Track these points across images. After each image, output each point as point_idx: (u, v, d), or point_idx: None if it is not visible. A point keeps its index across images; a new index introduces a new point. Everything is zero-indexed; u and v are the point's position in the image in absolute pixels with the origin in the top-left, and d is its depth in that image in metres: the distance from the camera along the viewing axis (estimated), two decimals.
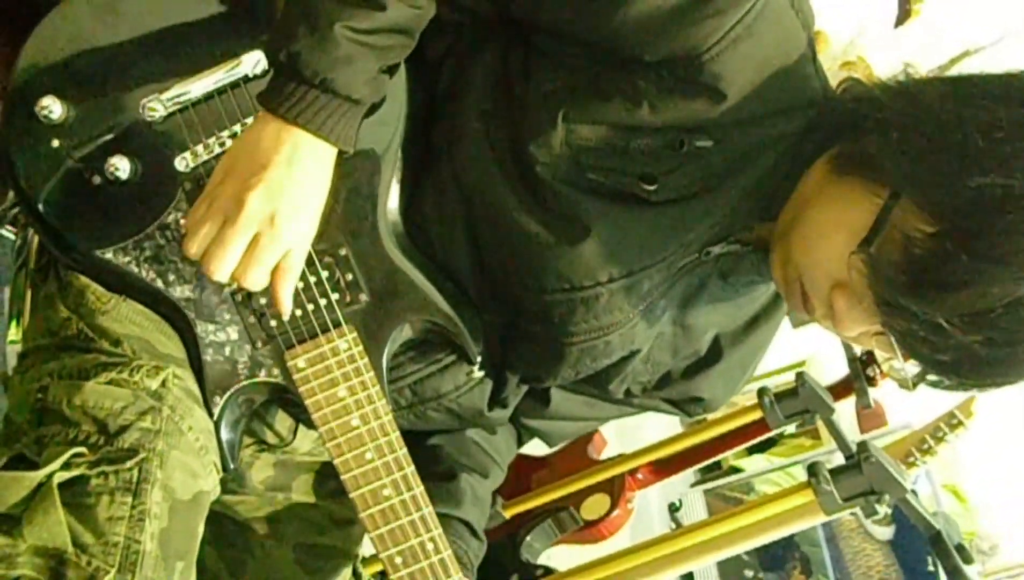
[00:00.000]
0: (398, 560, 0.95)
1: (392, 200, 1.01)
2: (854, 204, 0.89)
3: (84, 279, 0.98)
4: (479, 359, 1.06)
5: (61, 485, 0.85)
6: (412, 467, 0.96)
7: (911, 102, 0.90)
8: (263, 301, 0.97)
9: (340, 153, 0.90)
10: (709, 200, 0.97)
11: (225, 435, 0.99)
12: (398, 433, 0.96)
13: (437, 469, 1.02)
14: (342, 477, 0.95)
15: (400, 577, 0.95)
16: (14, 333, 1.08)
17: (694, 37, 0.89)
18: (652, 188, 0.95)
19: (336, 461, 0.95)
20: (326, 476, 1.22)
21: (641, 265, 0.98)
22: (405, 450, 0.96)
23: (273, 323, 0.98)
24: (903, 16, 2.61)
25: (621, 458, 1.91)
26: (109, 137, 0.96)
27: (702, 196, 0.97)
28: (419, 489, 0.95)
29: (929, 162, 0.84)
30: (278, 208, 0.86)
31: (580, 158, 0.95)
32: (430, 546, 0.95)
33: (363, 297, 0.98)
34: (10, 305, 1.10)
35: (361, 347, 0.97)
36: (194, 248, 0.88)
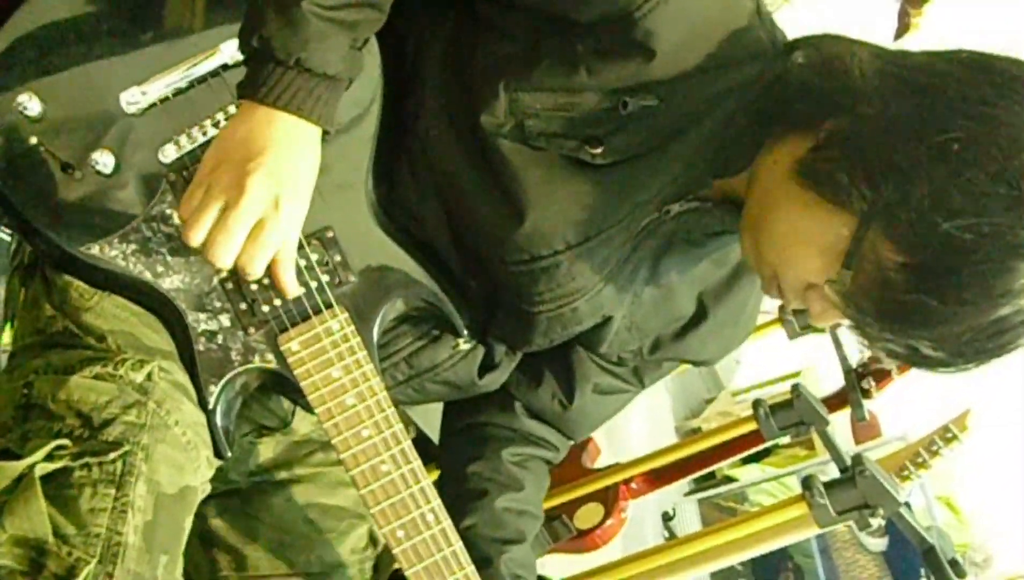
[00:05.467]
0: (400, 533, 0.95)
1: (373, 179, 1.02)
2: (824, 223, 0.89)
3: (67, 277, 0.98)
4: (465, 332, 1.07)
5: (45, 478, 0.85)
6: (409, 441, 0.96)
7: (882, 123, 0.86)
8: (254, 287, 0.97)
9: (324, 133, 0.90)
10: (660, 158, 0.97)
11: (220, 422, 0.99)
12: (394, 409, 0.96)
13: (473, 556, 1.00)
14: (340, 456, 0.95)
15: (403, 550, 0.95)
16: (8, 335, 1.08)
17: None
18: (598, 151, 0.96)
19: (334, 440, 0.95)
20: (329, 448, 1.21)
21: (596, 229, 0.99)
22: (401, 425, 0.96)
23: (265, 308, 0.98)
24: (902, 29, 2.62)
25: (616, 467, 1.91)
26: (89, 132, 0.96)
27: (652, 155, 0.97)
28: (417, 462, 0.96)
29: (901, 204, 0.83)
30: (281, 192, 0.86)
31: (525, 126, 0.96)
32: (431, 517, 0.95)
33: (351, 277, 0.99)
34: (5, 306, 1.10)
35: (353, 327, 0.97)
36: (196, 238, 0.86)
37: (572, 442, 1.27)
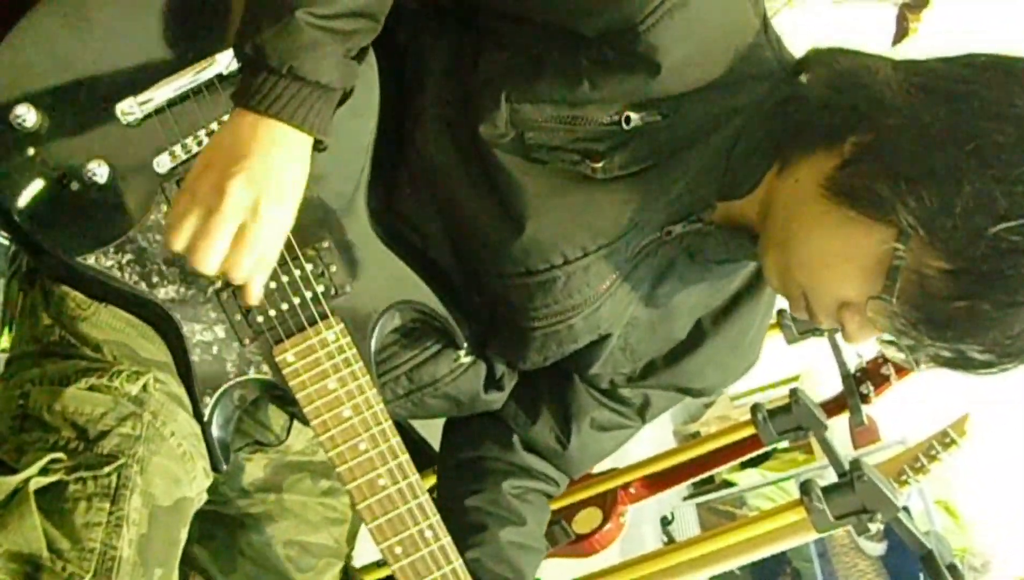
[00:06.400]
0: (398, 550, 0.93)
1: (371, 189, 1.01)
2: (861, 239, 0.87)
3: (64, 287, 0.97)
4: (465, 345, 1.06)
5: (39, 491, 0.85)
6: (407, 455, 0.95)
7: (916, 132, 0.85)
8: None
9: (319, 144, 0.89)
10: (661, 177, 0.96)
11: (217, 434, 0.99)
12: (391, 422, 0.95)
13: None
14: (337, 470, 0.94)
15: (401, 567, 0.93)
16: (6, 340, 1.08)
17: (627, 7, 0.89)
18: (598, 166, 0.95)
19: (330, 454, 0.94)
20: (319, 475, 1.22)
21: (596, 245, 0.97)
22: (399, 438, 0.95)
23: (260, 319, 0.97)
24: (901, 34, 2.62)
25: (614, 472, 1.91)
26: (85, 142, 0.95)
27: (653, 173, 0.96)
28: (415, 477, 0.95)
29: (944, 211, 0.82)
30: (261, 196, 0.85)
31: (526, 138, 0.95)
32: (429, 533, 0.94)
33: (348, 288, 0.99)
34: (4, 310, 1.10)
35: (349, 338, 0.97)
36: (178, 243, 0.86)
37: (570, 479, 1.26)
